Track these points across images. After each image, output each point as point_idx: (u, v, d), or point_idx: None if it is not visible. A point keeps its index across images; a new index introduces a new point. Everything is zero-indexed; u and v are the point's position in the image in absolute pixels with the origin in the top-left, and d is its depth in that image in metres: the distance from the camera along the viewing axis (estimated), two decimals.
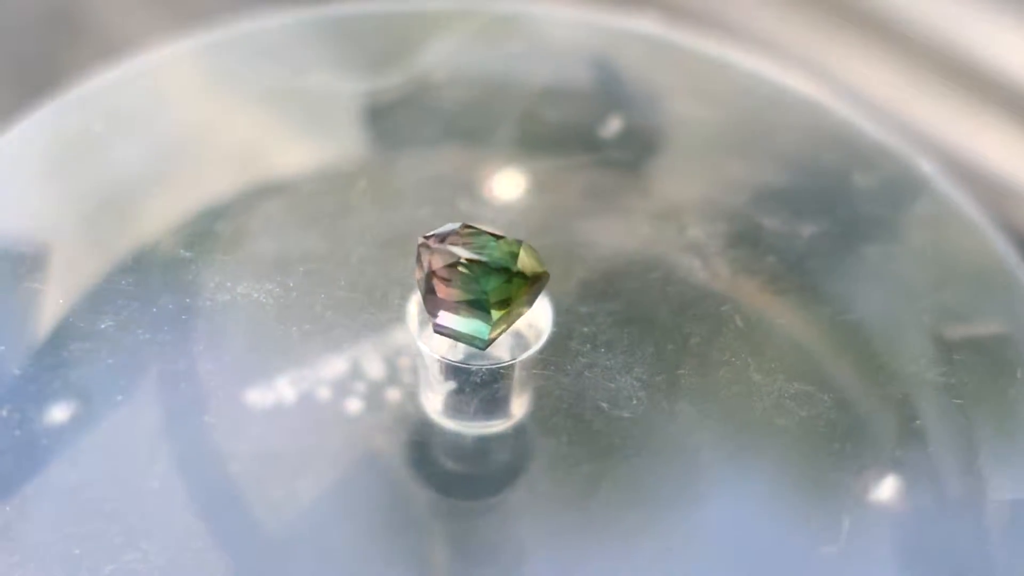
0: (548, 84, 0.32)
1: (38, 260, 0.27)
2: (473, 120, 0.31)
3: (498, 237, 0.22)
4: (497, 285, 0.22)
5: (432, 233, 0.22)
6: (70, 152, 0.29)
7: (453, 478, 0.25)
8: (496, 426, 0.25)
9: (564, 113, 0.32)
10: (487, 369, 0.23)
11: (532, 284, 0.22)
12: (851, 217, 0.29)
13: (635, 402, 0.25)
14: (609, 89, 0.32)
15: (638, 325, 0.26)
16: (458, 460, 0.25)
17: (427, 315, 0.22)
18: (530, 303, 0.22)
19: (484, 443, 0.25)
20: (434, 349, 0.23)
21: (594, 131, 0.31)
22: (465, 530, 0.24)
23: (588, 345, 0.26)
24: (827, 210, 0.29)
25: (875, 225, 0.29)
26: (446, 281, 0.22)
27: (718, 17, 0.44)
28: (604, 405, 0.25)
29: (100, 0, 0.45)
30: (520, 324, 0.24)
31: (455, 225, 0.22)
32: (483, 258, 0.21)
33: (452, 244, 0.22)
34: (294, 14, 0.32)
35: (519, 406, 0.25)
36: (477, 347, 0.22)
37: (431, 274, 0.22)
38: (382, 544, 0.24)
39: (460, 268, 0.22)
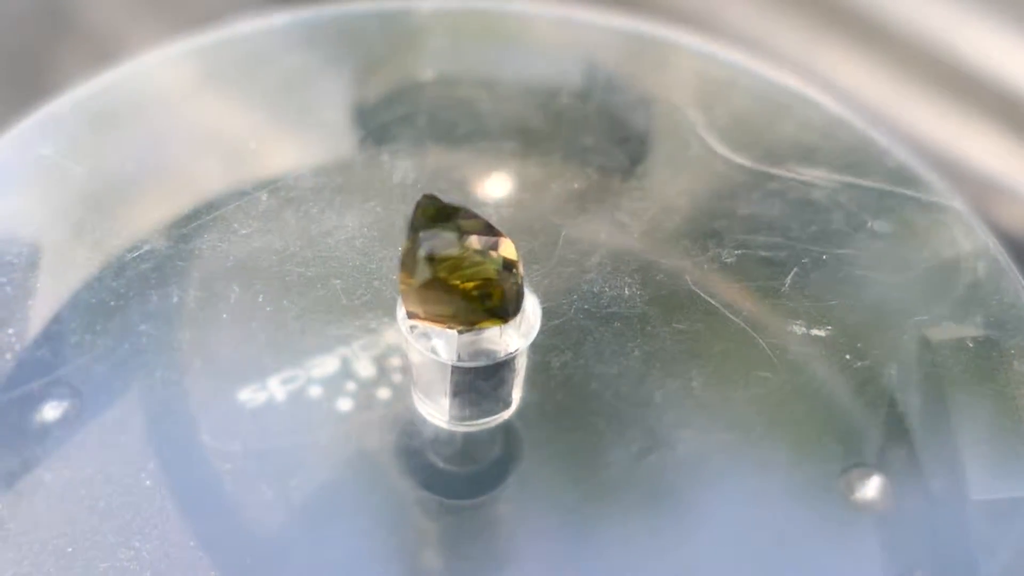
0: (540, 84, 0.32)
1: (30, 258, 0.27)
2: (465, 119, 0.31)
3: (476, 252, 0.21)
4: (404, 275, 0.22)
5: (435, 199, 0.22)
6: (63, 152, 0.29)
7: (443, 476, 0.25)
8: (486, 423, 0.25)
9: (555, 113, 0.32)
10: (500, 363, 0.23)
11: (469, 308, 0.22)
12: (842, 217, 0.29)
13: (624, 403, 0.25)
14: (600, 89, 0.33)
15: (625, 323, 0.26)
16: (448, 458, 0.25)
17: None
18: (462, 320, 0.22)
19: (473, 440, 0.25)
20: (423, 348, 0.24)
21: (585, 132, 0.31)
22: (455, 527, 0.25)
23: (577, 345, 0.26)
24: (819, 209, 0.29)
25: (865, 224, 0.29)
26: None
27: (711, 19, 0.44)
28: (594, 404, 0.25)
29: None
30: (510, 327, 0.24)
31: (457, 206, 0.22)
32: (417, 248, 0.21)
33: (424, 221, 0.22)
34: (288, 14, 0.33)
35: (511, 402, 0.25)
36: None
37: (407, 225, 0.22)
38: (374, 542, 0.24)
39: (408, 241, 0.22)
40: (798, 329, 0.27)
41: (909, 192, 0.30)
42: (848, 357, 0.26)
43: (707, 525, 0.24)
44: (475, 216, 0.22)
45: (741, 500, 0.24)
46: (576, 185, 0.30)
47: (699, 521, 0.24)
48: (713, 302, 0.27)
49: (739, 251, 0.28)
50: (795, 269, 0.28)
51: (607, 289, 0.27)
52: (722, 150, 0.30)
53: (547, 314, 0.24)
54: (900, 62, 0.43)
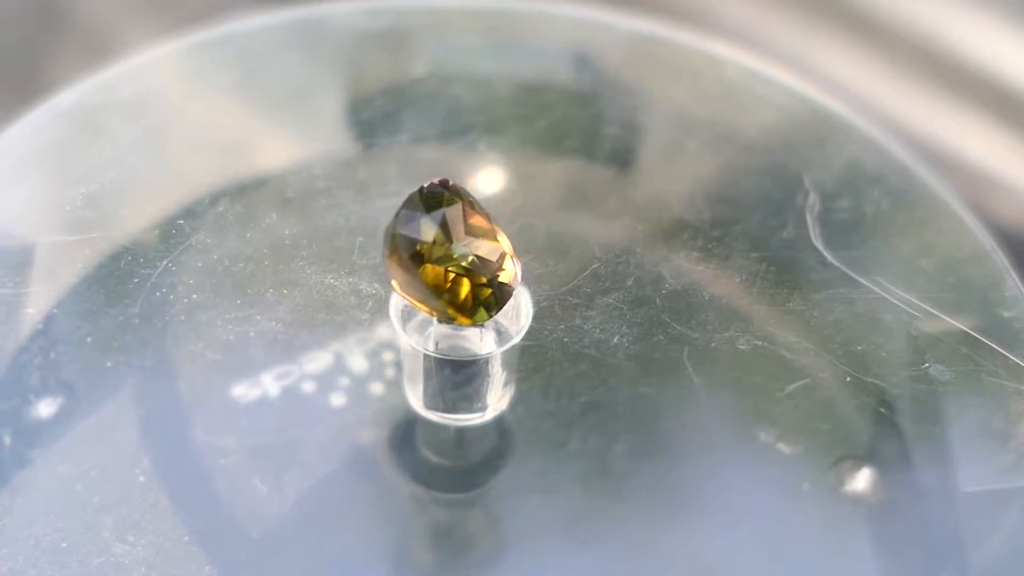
0: (532, 80, 0.33)
1: (24, 257, 0.27)
2: (458, 115, 0.31)
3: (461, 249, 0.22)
4: (384, 248, 0.22)
5: (445, 185, 0.22)
6: (57, 151, 0.29)
7: (436, 470, 0.25)
8: (478, 418, 0.25)
9: (547, 109, 0.32)
10: (467, 362, 0.24)
11: (432, 297, 0.22)
12: (901, 347, 0.26)
13: (618, 400, 0.25)
14: (592, 84, 0.33)
15: (593, 368, 0.25)
16: (441, 452, 0.25)
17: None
18: (429, 308, 0.22)
19: (466, 435, 0.25)
20: (416, 342, 0.24)
21: (577, 127, 0.32)
22: (447, 521, 0.25)
23: (532, 371, 0.25)
24: (880, 331, 0.26)
25: (857, 218, 0.28)
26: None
27: (702, 14, 0.44)
28: (586, 403, 0.25)
29: None
30: (502, 319, 0.24)
31: (463, 199, 0.22)
32: (395, 228, 0.22)
33: (419, 201, 0.22)
34: (286, 13, 0.33)
35: (502, 398, 0.25)
36: None
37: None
38: (367, 536, 0.24)
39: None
40: (764, 436, 0.24)
41: (995, 346, 0.25)
42: (807, 486, 0.24)
43: (698, 517, 0.24)
44: (482, 215, 0.22)
45: (732, 492, 0.24)
46: (640, 226, 0.28)
47: (690, 513, 0.24)
48: (695, 380, 0.25)
49: (759, 342, 0.25)
50: (806, 380, 0.25)
51: (598, 331, 0.25)
52: (818, 242, 0.27)
53: (526, 334, 0.24)
54: (896, 56, 0.43)
